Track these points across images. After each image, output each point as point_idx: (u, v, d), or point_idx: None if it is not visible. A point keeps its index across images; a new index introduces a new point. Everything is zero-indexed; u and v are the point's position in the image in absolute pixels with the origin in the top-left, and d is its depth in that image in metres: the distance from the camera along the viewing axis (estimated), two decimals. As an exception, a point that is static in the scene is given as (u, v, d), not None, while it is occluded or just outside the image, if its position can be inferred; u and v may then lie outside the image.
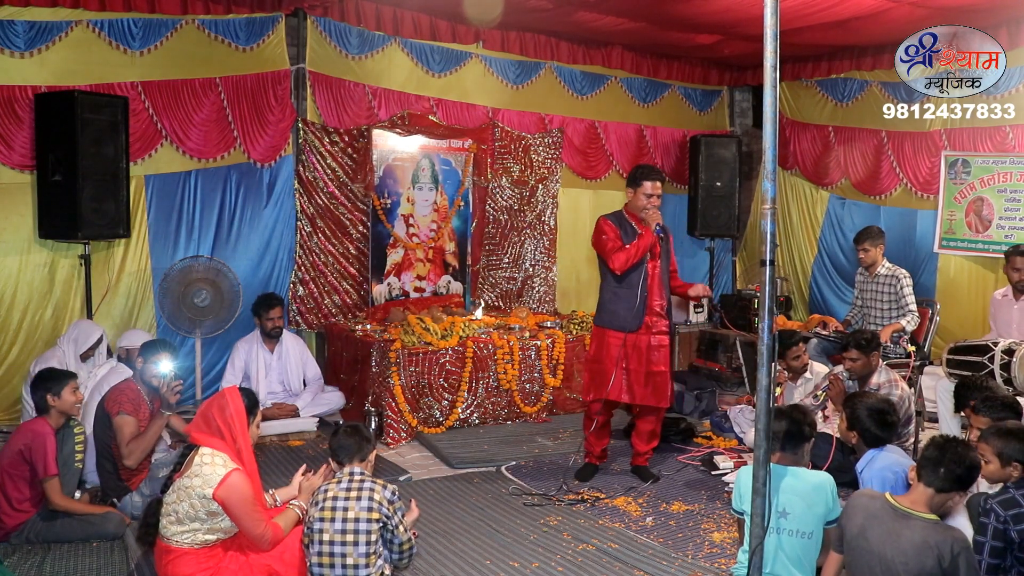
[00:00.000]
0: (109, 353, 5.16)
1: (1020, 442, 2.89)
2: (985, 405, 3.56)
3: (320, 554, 2.86)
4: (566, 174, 7.43)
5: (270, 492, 3.28)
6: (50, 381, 3.82)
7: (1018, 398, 4.16)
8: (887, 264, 5.83)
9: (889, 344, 5.56)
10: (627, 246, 4.46)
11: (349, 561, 2.82)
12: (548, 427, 5.71)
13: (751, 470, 2.76)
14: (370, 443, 3.05)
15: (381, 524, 2.88)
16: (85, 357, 4.86)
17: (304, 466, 3.33)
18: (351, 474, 2.96)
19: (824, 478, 2.91)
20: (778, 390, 5.06)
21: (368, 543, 2.83)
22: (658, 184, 4.53)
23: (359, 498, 2.87)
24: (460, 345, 5.64)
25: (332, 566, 2.84)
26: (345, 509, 2.86)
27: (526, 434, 5.51)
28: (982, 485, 3.37)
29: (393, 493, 2.92)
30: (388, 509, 2.88)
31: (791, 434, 2.99)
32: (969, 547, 2.54)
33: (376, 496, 2.88)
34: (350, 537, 2.83)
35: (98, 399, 4.12)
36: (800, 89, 7.73)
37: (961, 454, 2.66)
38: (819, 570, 2.94)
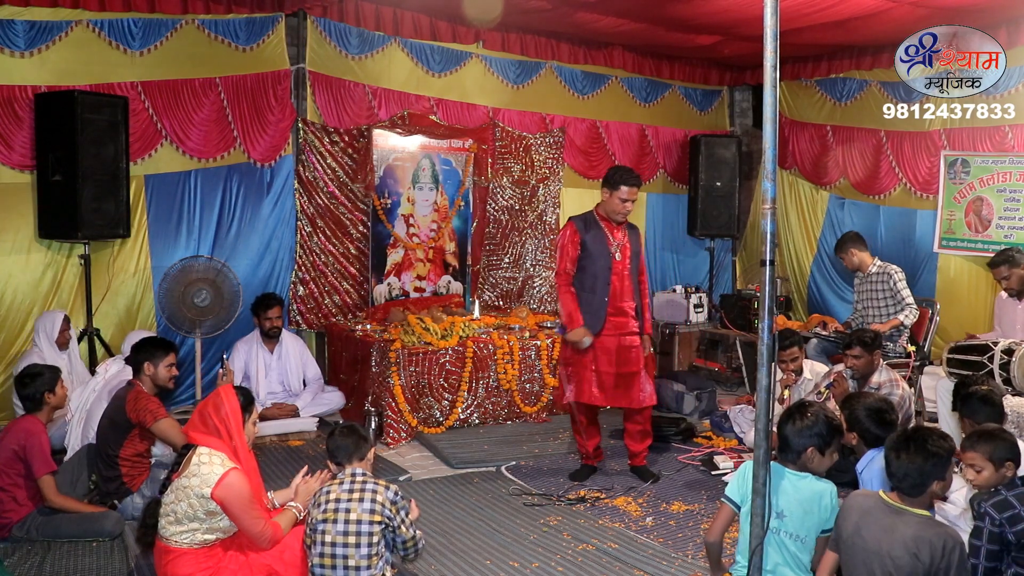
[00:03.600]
0: (112, 352, 5.17)
1: (1006, 440, 2.88)
2: (966, 404, 3.55)
3: (322, 555, 2.85)
4: (568, 174, 7.43)
5: (269, 494, 3.28)
6: (40, 376, 3.87)
7: (1013, 396, 4.17)
8: (878, 262, 5.91)
9: (889, 344, 5.57)
10: (564, 296, 4.53)
11: (351, 563, 2.82)
12: (548, 427, 5.71)
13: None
14: (367, 442, 3.04)
15: (383, 525, 2.87)
16: (62, 343, 4.84)
17: (305, 468, 3.33)
18: (353, 475, 2.96)
19: (826, 486, 2.90)
20: (786, 392, 5.04)
21: (370, 544, 2.83)
22: (635, 190, 4.50)
23: (361, 499, 2.87)
24: (460, 345, 5.64)
25: (334, 567, 2.83)
26: (347, 510, 2.86)
27: (526, 434, 5.51)
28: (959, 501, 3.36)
29: (396, 493, 2.92)
30: (391, 510, 2.87)
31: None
32: (962, 543, 2.53)
33: (379, 497, 2.87)
34: (352, 539, 2.83)
35: (106, 399, 4.12)
36: (799, 89, 7.73)
37: (916, 447, 2.64)
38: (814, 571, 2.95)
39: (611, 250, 4.56)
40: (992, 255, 5.56)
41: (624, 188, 4.48)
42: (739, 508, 2.98)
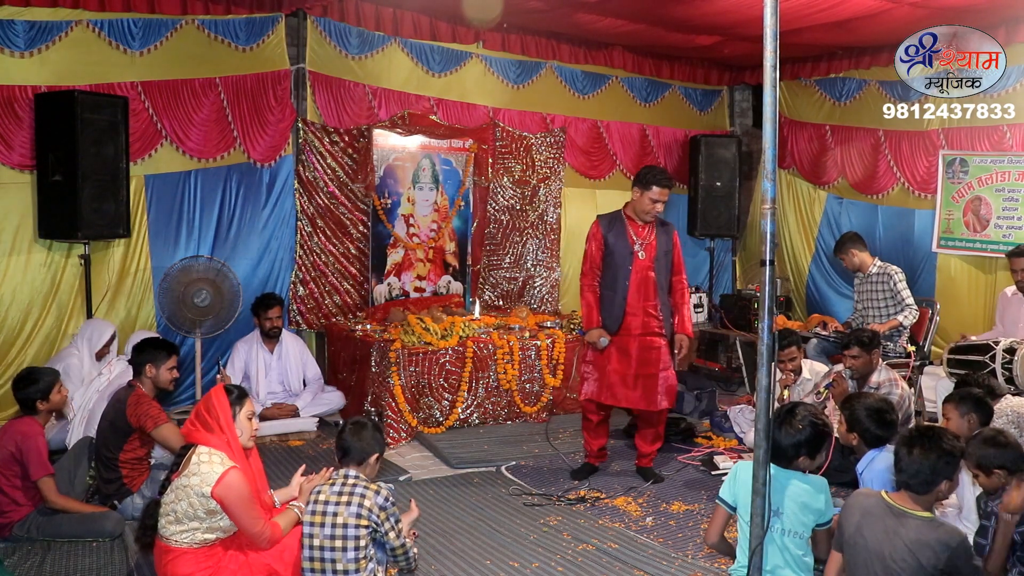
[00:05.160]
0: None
1: (995, 447, 2.89)
2: (962, 398, 3.56)
3: (311, 559, 2.85)
4: (570, 174, 7.42)
5: (269, 493, 3.28)
6: (35, 383, 3.82)
7: (1014, 396, 4.17)
8: (878, 263, 5.91)
9: (889, 344, 5.57)
10: (583, 295, 4.59)
11: (339, 567, 2.81)
12: (548, 427, 5.71)
13: (748, 466, 2.75)
14: (355, 447, 2.97)
15: (370, 529, 2.86)
16: (100, 355, 4.85)
17: (303, 467, 3.32)
18: (345, 476, 2.95)
19: (819, 482, 2.91)
20: (785, 392, 5.04)
21: (357, 548, 2.82)
22: (666, 191, 4.46)
23: (349, 503, 2.85)
24: (460, 345, 5.64)
25: (323, 571, 2.83)
26: (335, 514, 2.85)
27: (526, 434, 5.51)
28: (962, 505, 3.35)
29: (386, 499, 2.89)
30: (379, 516, 2.85)
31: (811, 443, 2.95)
32: (966, 544, 2.54)
33: (367, 503, 2.85)
34: (339, 542, 2.82)
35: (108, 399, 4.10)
36: (798, 88, 7.73)
37: (926, 448, 2.63)
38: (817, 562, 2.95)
39: (633, 248, 4.51)
40: (991, 255, 5.55)
41: (656, 188, 4.43)
42: (733, 509, 2.98)
